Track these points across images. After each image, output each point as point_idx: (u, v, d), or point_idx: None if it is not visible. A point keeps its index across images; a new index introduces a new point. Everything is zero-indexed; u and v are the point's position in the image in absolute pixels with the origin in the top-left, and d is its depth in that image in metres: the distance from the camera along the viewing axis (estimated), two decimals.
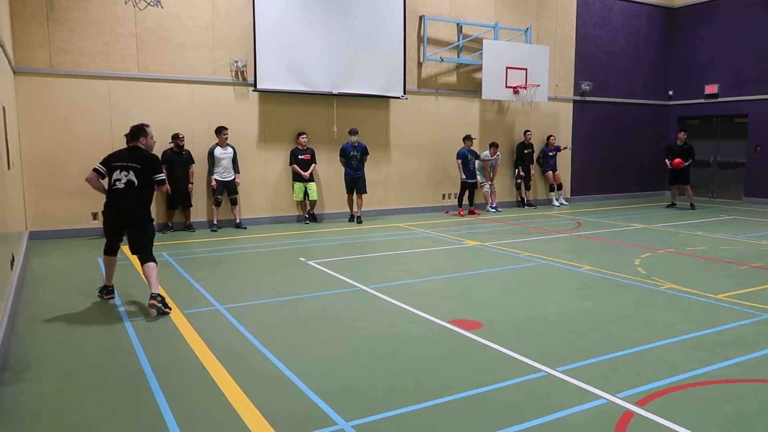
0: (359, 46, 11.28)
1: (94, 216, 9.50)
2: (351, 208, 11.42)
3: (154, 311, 5.19)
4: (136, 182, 5.39)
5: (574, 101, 14.64)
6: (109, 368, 4.05)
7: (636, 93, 15.72)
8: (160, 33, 9.81)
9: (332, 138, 11.42)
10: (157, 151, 9.55)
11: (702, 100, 15.52)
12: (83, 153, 9.17)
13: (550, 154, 13.95)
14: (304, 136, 10.88)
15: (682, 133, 13.46)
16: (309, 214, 11.12)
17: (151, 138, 5.66)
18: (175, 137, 9.74)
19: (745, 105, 14.55)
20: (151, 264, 5.39)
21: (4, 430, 3.19)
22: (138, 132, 5.57)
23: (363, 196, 11.26)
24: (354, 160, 11.05)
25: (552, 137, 14.00)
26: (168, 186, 9.46)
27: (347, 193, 11.30)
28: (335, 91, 11.11)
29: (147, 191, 5.51)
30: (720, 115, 15.33)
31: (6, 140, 6.24)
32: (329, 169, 11.49)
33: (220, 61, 10.36)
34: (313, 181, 10.97)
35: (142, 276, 5.58)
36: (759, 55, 14.14)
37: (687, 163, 13.14)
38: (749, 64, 14.39)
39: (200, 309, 5.42)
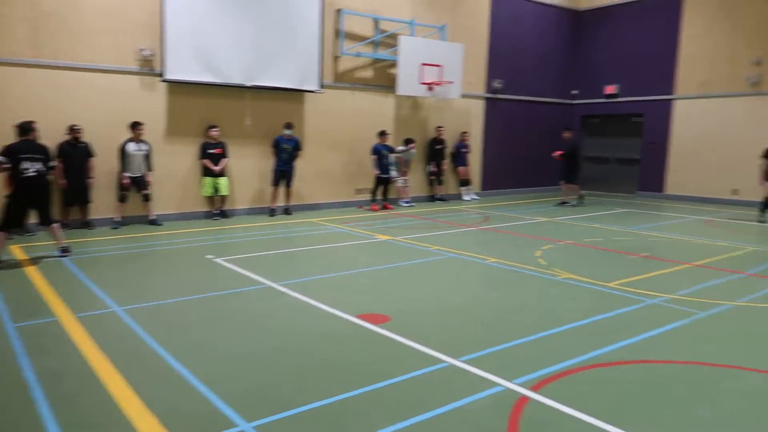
0: (274, 38, 11.02)
1: None
2: (273, 201, 11.22)
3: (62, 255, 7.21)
4: (42, 169, 7.03)
5: (486, 98, 15.11)
6: None
7: (545, 92, 16.46)
8: (57, 16, 9.08)
9: (245, 132, 11.12)
10: (53, 143, 8.96)
11: (602, 100, 16.51)
12: None
13: (463, 150, 14.33)
14: (216, 129, 10.52)
15: (567, 132, 13.91)
16: (219, 210, 10.78)
17: (37, 132, 7.37)
18: (71, 129, 9.11)
19: (641, 105, 15.63)
20: (56, 224, 7.32)
21: None
22: (29, 129, 7.13)
23: (291, 189, 11.41)
24: (285, 153, 11.06)
25: (466, 133, 14.38)
26: (64, 180, 9.01)
27: (272, 185, 11.15)
28: (248, 84, 10.82)
29: (48, 175, 7.24)
30: (618, 114, 16.38)
31: None
32: (241, 163, 11.17)
33: (125, 48, 9.76)
34: (224, 175, 10.64)
35: (54, 237, 7.27)
36: (655, 58, 15.19)
37: (559, 154, 13.43)
38: (646, 66, 15.43)
39: (95, 312, 5.10)
